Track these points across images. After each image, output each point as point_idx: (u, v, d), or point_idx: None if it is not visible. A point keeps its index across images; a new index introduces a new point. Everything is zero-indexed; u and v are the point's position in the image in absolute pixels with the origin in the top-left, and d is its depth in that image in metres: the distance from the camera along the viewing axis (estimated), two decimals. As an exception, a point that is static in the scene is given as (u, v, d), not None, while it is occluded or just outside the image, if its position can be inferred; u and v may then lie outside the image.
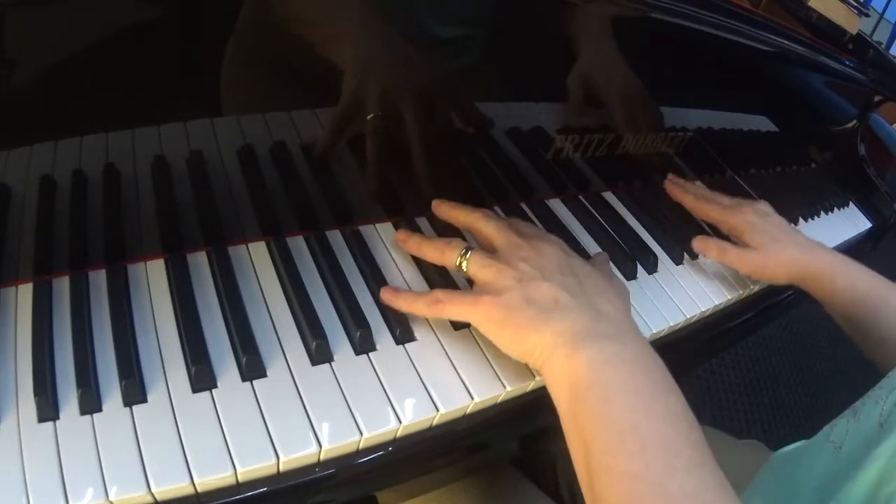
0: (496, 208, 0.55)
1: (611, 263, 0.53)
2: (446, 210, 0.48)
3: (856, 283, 0.55)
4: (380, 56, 0.42)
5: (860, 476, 0.34)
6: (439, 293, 0.40)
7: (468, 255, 0.41)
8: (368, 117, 0.43)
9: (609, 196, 0.64)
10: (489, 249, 0.43)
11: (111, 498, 0.30)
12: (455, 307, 0.40)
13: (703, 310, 0.55)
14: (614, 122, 0.58)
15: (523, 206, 0.57)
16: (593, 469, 0.34)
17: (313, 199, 0.46)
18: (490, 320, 0.39)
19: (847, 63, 0.78)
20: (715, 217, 0.62)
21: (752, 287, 0.61)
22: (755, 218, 0.59)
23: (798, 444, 0.46)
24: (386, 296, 0.42)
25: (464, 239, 0.45)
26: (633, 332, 0.39)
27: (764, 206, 0.62)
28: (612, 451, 0.33)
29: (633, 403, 0.35)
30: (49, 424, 0.32)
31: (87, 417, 0.32)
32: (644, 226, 0.61)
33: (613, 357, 0.36)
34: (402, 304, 0.42)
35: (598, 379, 0.35)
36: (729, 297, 0.58)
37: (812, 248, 0.58)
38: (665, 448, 0.33)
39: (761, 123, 0.79)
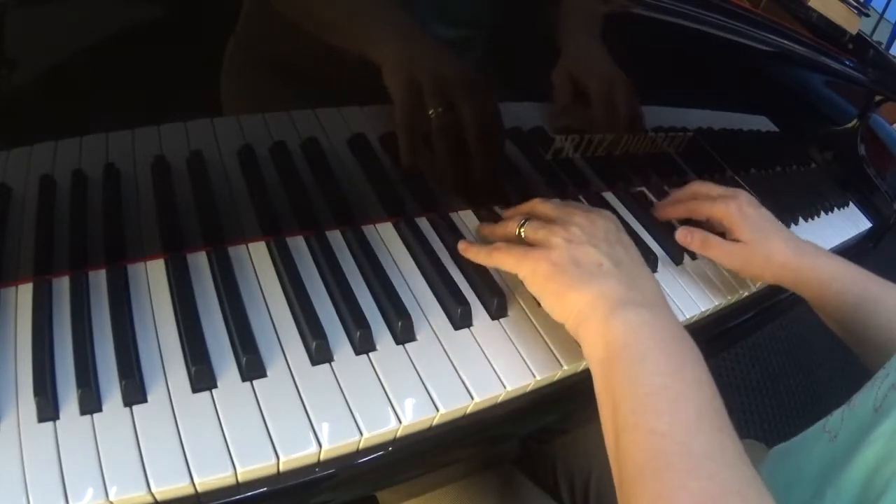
0: (496, 209, 0.55)
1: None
2: (493, 229, 0.50)
3: (850, 287, 0.53)
4: (419, 52, 0.43)
5: (857, 460, 0.34)
6: (500, 244, 0.45)
7: (525, 224, 0.45)
8: (429, 112, 0.45)
9: (609, 196, 0.64)
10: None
11: (111, 498, 0.30)
12: (508, 257, 0.43)
13: (703, 310, 0.55)
14: (612, 122, 0.58)
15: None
16: (621, 426, 0.35)
17: (313, 199, 0.46)
18: (535, 274, 0.42)
19: (847, 63, 0.78)
20: (706, 213, 0.58)
21: (752, 287, 0.61)
22: (747, 208, 0.56)
23: (794, 438, 0.46)
24: (461, 246, 0.47)
25: None
26: (665, 305, 0.41)
27: (754, 199, 0.59)
28: (640, 409, 0.35)
29: (665, 366, 0.36)
30: (49, 424, 0.32)
31: (87, 417, 0.32)
32: (644, 226, 0.61)
33: (648, 322, 0.38)
34: (471, 254, 0.47)
35: (633, 340, 0.37)
36: (729, 298, 0.58)
37: (803, 249, 0.55)
38: (691, 410, 0.34)
39: (761, 123, 0.79)
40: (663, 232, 0.61)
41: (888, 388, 0.37)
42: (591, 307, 0.39)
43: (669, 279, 0.56)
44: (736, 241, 0.55)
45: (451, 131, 0.47)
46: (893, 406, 0.35)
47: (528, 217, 0.46)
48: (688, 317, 0.54)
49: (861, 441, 0.35)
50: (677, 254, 0.59)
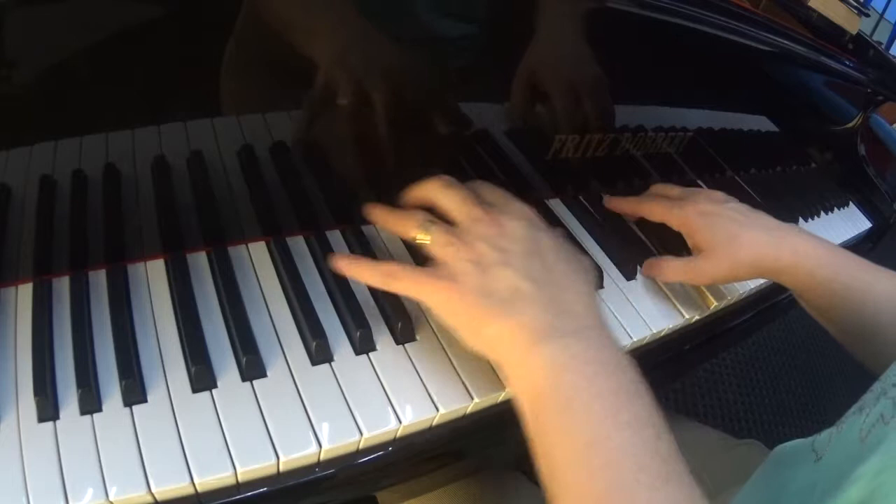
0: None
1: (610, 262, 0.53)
2: (386, 219, 0.43)
3: (837, 274, 0.48)
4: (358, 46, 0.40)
5: (841, 494, 0.31)
6: (395, 266, 0.38)
7: (428, 229, 0.38)
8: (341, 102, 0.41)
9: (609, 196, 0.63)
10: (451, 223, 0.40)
11: (111, 498, 0.30)
12: (408, 284, 0.37)
13: (704, 311, 0.55)
14: (608, 121, 0.58)
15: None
16: (557, 479, 0.32)
17: (313, 199, 0.46)
18: (442, 306, 0.36)
19: (847, 63, 0.78)
20: (659, 215, 0.53)
21: (751, 286, 0.61)
22: (708, 207, 0.51)
23: (792, 443, 0.44)
24: (339, 263, 0.40)
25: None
26: (598, 327, 0.36)
27: (720, 195, 0.54)
28: (574, 467, 0.31)
29: (596, 412, 0.32)
30: (49, 424, 0.32)
31: (87, 417, 0.32)
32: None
33: (575, 357, 0.34)
34: (355, 272, 0.39)
35: (558, 383, 0.33)
36: (729, 298, 0.58)
37: (782, 237, 0.49)
38: (630, 463, 0.30)
39: (761, 123, 0.79)
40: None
41: (876, 419, 0.34)
42: (509, 342, 0.34)
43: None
44: (698, 250, 0.51)
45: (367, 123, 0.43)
46: (880, 442, 0.32)
47: (430, 217, 0.39)
48: (687, 317, 0.53)
49: (845, 472, 0.32)
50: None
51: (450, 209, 0.40)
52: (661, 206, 0.54)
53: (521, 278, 0.36)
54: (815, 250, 0.49)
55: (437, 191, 0.41)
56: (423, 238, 0.39)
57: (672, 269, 0.51)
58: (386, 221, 0.42)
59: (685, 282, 0.52)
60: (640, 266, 0.54)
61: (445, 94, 0.47)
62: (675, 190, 0.56)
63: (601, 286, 0.51)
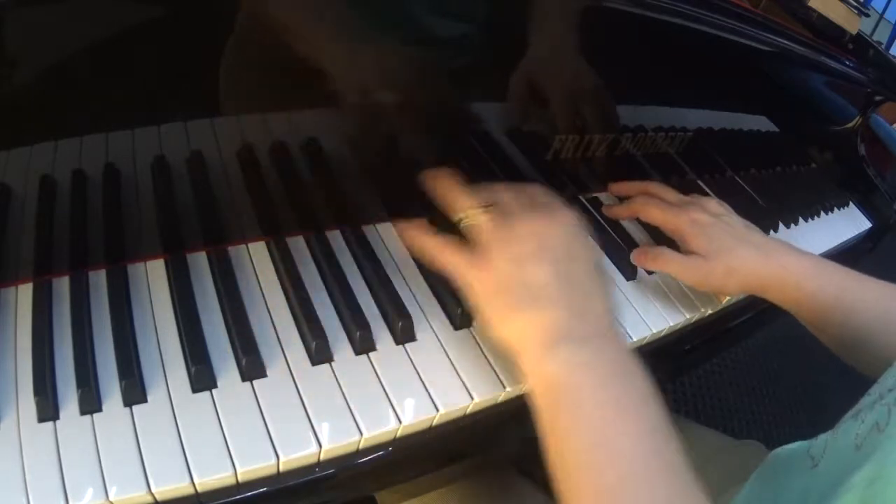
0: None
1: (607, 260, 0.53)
2: (445, 189, 0.44)
3: (824, 286, 0.49)
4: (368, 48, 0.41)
5: (835, 502, 0.31)
6: (447, 240, 0.41)
7: (479, 214, 0.41)
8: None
9: (609, 196, 0.63)
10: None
11: (111, 498, 0.30)
12: (452, 259, 0.40)
13: (703, 311, 0.55)
14: (608, 121, 0.58)
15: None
16: (569, 471, 0.33)
17: (313, 199, 0.46)
18: (476, 291, 0.39)
19: (847, 63, 0.78)
20: (656, 218, 0.54)
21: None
22: (703, 217, 0.51)
23: (789, 447, 0.44)
24: (402, 226, 0.45)
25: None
26: (613, 334, 0.38)
27: (715, 206, 0.54)
28: (584, 463, 0.33)
29: (606, 414, 0.34)
30: (49, 424, 0.32)
31: (87, 417, 0.32)
32: (643, 226, 0.61)
33: (589, 361, 0.35)
34: (413, 238, 0.43)
35: (571, 383, 0.35)
36: (729, 299, 0.58)
37: (770, 253, 0.50)
38: (638, 464, 0.32)
39: (761, 123, 0.79)
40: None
41: (871, 427, 0.34)
42: (530, 337, 0.36)
43: (669, 279, 0.55)
44: (693, 253, 0.51)
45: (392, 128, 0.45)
46: (874, 450, 0.32)
47: (479, 204, 0.41)
48: (688, 317, 0.53)
49: (839, 479, 0.32)
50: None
51: (510, 205, 0.42)
52: (656, 210, 0.54)
53: (551, 278, 0.38)
54: (800, 264, 0.50)
55: (503, 191, 0.43)
56: (473, 220, 0.41)
57: (669, 258, 0.51)
58: (444, 190, 0.44)
59: (677, 275, 0.52)
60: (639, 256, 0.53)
61: (452, 94, 0.47)
62: (671, 195, 0.56)
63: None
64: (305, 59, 0.39)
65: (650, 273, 0.56)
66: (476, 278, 0.39)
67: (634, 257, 0.53)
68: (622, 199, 0.63)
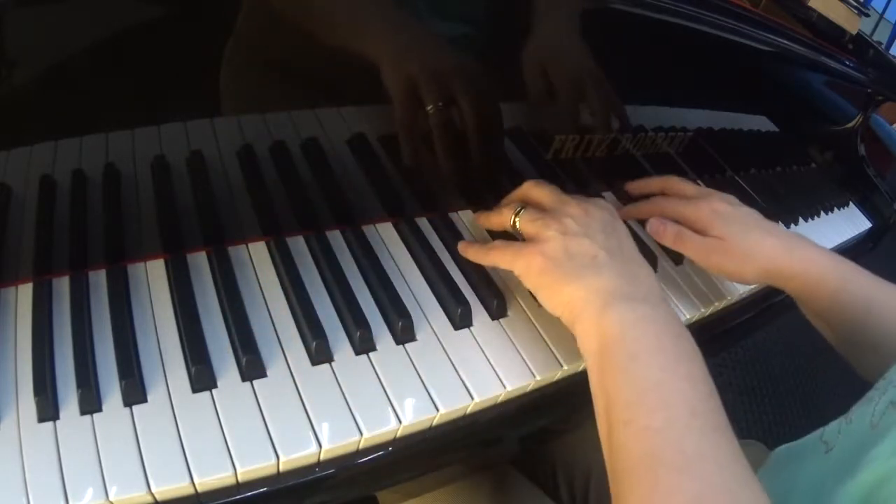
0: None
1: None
2: (488, 217, 0.49)
3: (846, 284, 0.49)
4: (417, 46, 0.43)
5: (853, 481, 0.33)
6: (496, 242, 0.44)
7: (520, 212, 0.44)
8: (428, 109, 0.44)
9: (609, 196, 0.63)
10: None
11: (111, 498, 0.30)
12: (503, 255, 0.43)
13: (702, 311, 0.55)
14: (607, 121, 0.58)
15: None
16: (614, 421, 0.34)
17: (313, 199, 0.46)
18: (530, 269, 0.41)
19: (847, 63, 0.78)
20: (672, 212, 0.53)
21: (751, 286, 0.61)
22: (724, 206, 0.52)
23: (796, 442, 0.45)
24: (461, 245, 0.47)
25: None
26: (664, 301, 0.40)
27: (734, 198, 0.54)
28: (634, 405, 0.34)
29: (659, 362, 0.35)
30: (49, 424, 0.32)
31: (87, 417, 0.32)
32: (643, 225, 0.61)
33: (644, 317, 0.37)
34: (470, 254, 0.46)
35: (627, 336, 0.37)
36: (729, 299, 0.58)
37: (793, 245, 0.50)
38: (685, 408, 0.33)
39: (761, 123, 0.79)
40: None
41: (886, 405, 0.36)
42: (585, 301, 0.39)
43: (669, 279, 0.56)
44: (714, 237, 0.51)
45: (450, 128, 0.46)
46: (891, 426, 0.33)
47: (523, 205, 0.45)
48: (688, 317, 0.53)
49: (857, 459, 0.34)
50: (677, 254, 0.57)
51: (541, 198, 0.46)
52: (673, 204, 0.54)
53: (599, 248, 0.41)
54: (822, 259, 0.50)
55: (531, 188, 0.47)
56: (517, 219, 0.45)
57: (689, 238, 0.51)
58: (489, 221, 0.49)
59: (695, 257, 0.52)
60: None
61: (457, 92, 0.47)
62: (689, 188, 0.56)
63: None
64: (306, 58, 0.39)
65: (655, 270, 0.55)
66: (526, 262, 0.41)
67: (651, 227, 0.52)
68: (622, 199, 0.63)
